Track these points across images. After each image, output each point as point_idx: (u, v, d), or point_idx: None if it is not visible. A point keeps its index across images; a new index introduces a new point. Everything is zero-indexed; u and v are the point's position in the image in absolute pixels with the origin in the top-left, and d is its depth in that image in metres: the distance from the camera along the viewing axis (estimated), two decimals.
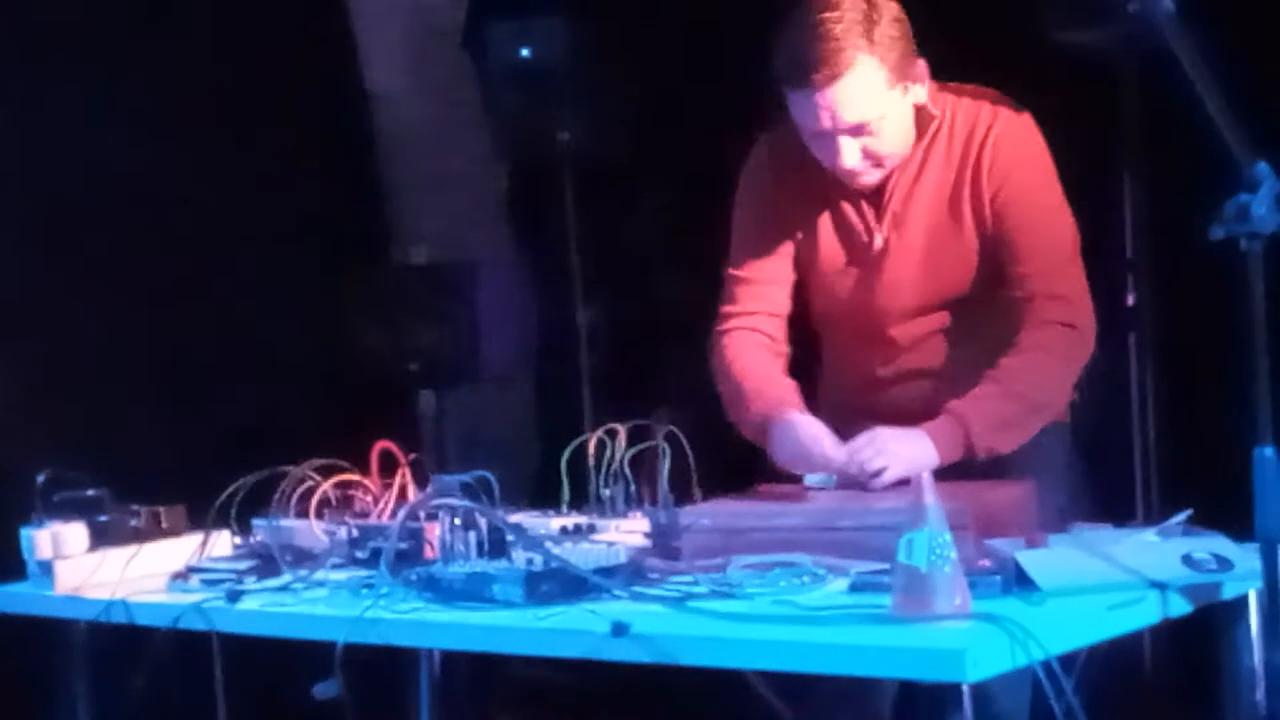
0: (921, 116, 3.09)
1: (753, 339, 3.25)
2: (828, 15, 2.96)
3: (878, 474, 2.92)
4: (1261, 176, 2.27)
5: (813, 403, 3.18)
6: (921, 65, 3.05)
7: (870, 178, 3.09)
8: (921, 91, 3.06)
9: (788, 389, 3.15)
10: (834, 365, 3.32)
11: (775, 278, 3.24)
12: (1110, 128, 4.50)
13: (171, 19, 4.98)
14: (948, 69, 3.16)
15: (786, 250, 3.23)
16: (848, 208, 3.16)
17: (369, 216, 5.56)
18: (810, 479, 2.99)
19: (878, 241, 3.15)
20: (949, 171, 3.10)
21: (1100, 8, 4.07)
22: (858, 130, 3.01)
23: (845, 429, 3.04)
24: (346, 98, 5.56)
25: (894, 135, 3.05)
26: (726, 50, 5.30)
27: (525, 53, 5.28)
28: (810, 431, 3.00)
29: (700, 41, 5.44)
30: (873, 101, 2.99)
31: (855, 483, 2.94)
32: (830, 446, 2.97)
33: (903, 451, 2.93)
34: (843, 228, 3.18)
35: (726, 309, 3.28)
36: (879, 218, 3.14)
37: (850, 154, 3.03)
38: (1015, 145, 3.09)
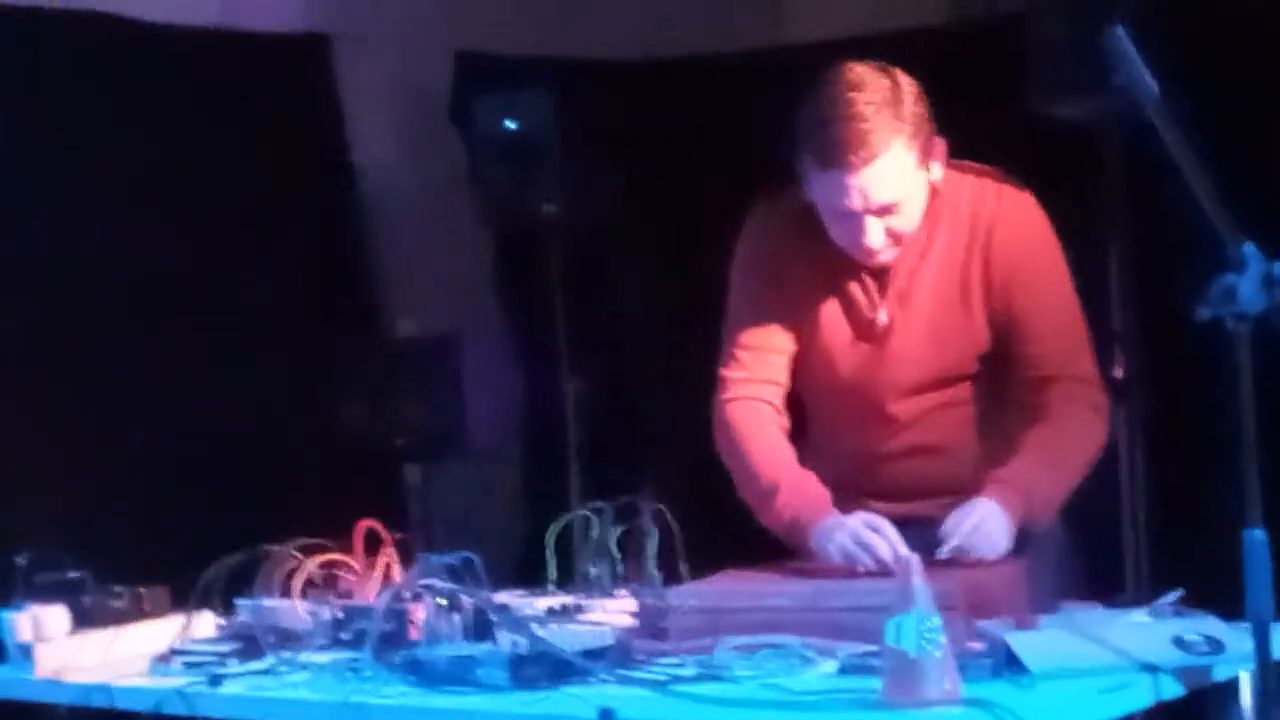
0: (929, 193, 3.06)
1: (760, 411, 3.19)
2: (857, 95, 2.93)
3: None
4: (1248, 257, 2.27)
5: None
6: (941, 144, 3.03)
7: (887, 256, 3.06)
8: (939, 170, 3.05)
9: (817, 486, 3.08)
10: (828, 441, 3.27)
11: (778, 346, 3.19)
12: (1095, 199, 4.50)
13: (156, 90, 4.98)
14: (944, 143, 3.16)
15: (788, 321, 3.18)
16: (851, 283, 3.13)
17: (354, 289, 5.55)
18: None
19: (881, 318, 3.12)
20: (956, 250, 3.09)
21: (1085, 81, 4.08)
22: (885, 210, 2.99)
23: (840, 506, 3.03)
24: (333, 170, 5.56)
25: (915, 214, 3.03)
26: (713, 122, 5.32)
27: (511, 125, 5.29)
28: (878, 532, 2.92)
29: (686, 114, 5.45)
30: (903, 182, 2.97)
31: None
32: (891, 547, 2.89)
33: (996, 528, 2.90)
34: (846, 303, 3.15)
35: (728, 374, 3.21)
36: (883, 293, 3.12)
37: (875, 235, 3.01)
38: (1022, 226, 3.08)
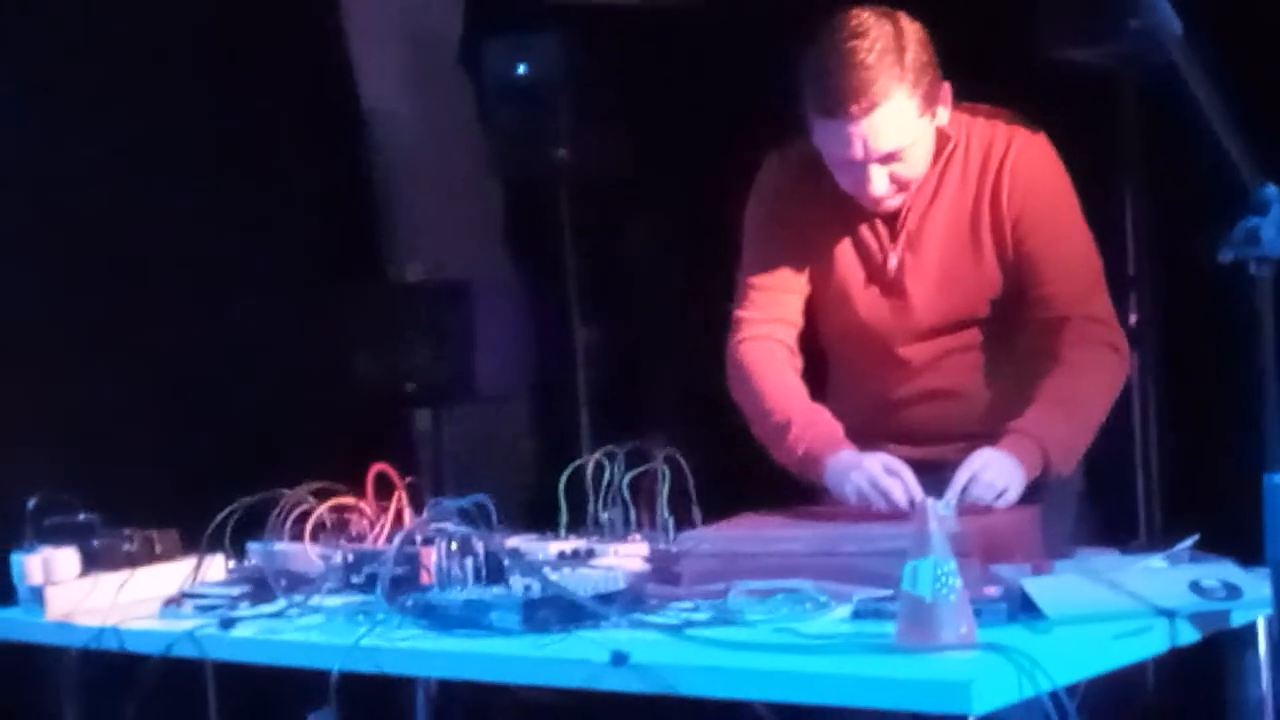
0: (937, 137, 3.06)
1: (773, 350, 3.19)
2: (858, 43, 2.91)
3: (998, 496, 2.88)
4: (1270, 199, 2.24)
5: None
6: (946, 88, 3.02)
7: (894, 202, 3.06)
8: (945, 114, 3.03)
9: (830, 421, 3.09)
10: (846, 386, 3.28)
11: (791, 287, 3.20)
12: (1110, 144, 4.47)
13: (166, 36, 4.95)
14: (951, 84, 3.14)
15: (801, 263, 3.19)
16: (863, 227, 3.14)
17: (364, 234, 5.53)
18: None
19: (892, 261, 3.12)
20: (966, 193, 3.08)
21: (1101, 25, 4.05)
22: (889, 158, 2.98)
23: (859, 449, 3.03)
24: (342, 115, 5.53)
25: (920, 160, 3.02)
26: (724, 67, 5.28)
27: (522, 69, 5.26)
28: (894, 474, 2.92)
29: (698, 59, 5.41)
30: (905, 130, 2.95)
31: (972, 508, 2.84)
32: (907, 490, 2.90)
33: (1015, 474, 2.89)
34: (858, 246, 3.15)
35: (741, 314, 3.22)
36: (894, 238, 3.11)
37: (880, 182, 3.00)
38: (1033, 167, 3.06)
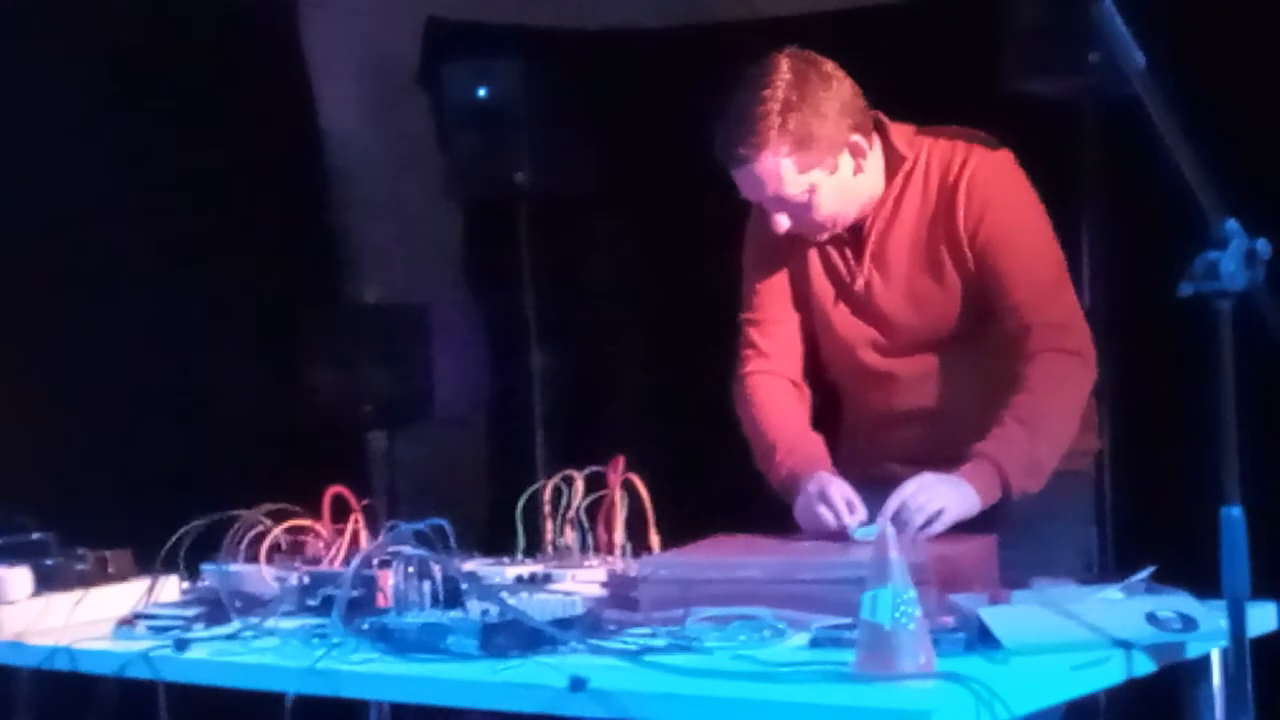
0: (893, 159, 3.11)
1: (776, 384, 3.25)
2: (750, 97, 2.99)
3: (930, 520, 2.87)
4: (1231, 233, 2.25)
5: (836, 451, 3.18)
6: (858, 141, 3.05)
7: (818, 236, 3.14)
8: (860, 160, 3.06)
9: (816, 445, 3.14)
10: (848, 404, 3.34)
11: (781, 316, 3.26)
12: (1070, 176, 4.49)
13: (121, 59, 4.93)
14: (910, 116, 3.16)
15: (784, 289, 3.26)
16: (831, 248, 3.19)
17: (322, 256, 5.52)
18: (859, 532, 2.90)
19: (859, 281, 3.16)
20: (924, 212, 3.11)
21: (1063, 58, 4.07)
22: (778, 204, 3.06)
23: (867, 471, 3.08)
24: (300, 136, 5.52)
25: (830, 203, 3.07)
26: (684, 92, 5.29)
27: (482, 92, 5.26)
28: (824, 500, 2.95)
29: (658, 82, 5.42)
30: (785, 184, 3.02)
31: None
32: (836, 517, 2.93)
33: (951, 495, 2.90)
34: (827, 267, 3.21)
35: (745, 351, 3.29)
36: (859, 258, 3.16)
37: (780, 220, 3.10)
38: (989, 180, 3.09)
